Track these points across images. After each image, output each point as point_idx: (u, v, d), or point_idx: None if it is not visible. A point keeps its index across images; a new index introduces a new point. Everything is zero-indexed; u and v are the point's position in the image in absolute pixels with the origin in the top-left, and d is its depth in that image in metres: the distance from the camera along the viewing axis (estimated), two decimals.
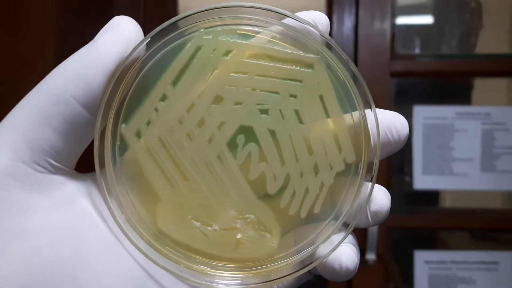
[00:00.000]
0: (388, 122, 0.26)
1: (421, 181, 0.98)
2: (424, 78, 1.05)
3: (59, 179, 0.25)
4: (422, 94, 1.06)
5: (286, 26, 0.25)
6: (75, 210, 0.25)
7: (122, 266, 0.25)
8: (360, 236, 0.95)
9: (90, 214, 0.25)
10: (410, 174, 0.98)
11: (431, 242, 1.09)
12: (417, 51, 1.08)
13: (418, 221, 0.99)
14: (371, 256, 0.94)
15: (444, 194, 1.07)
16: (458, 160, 0.96)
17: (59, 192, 0.25)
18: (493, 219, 1.00)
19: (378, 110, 0.26)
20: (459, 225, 1.00)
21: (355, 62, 0.94)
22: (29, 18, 0.71)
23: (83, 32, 0.78)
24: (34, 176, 0.24)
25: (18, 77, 0.68)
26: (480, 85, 1.05)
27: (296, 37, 0.25)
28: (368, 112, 0.25)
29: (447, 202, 1.10)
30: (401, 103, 1.03)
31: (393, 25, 0.97)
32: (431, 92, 1.07)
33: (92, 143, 0.25)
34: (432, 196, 1.07)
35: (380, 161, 0.26)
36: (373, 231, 0.92)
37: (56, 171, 0.25)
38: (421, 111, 0.97)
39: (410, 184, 0.98)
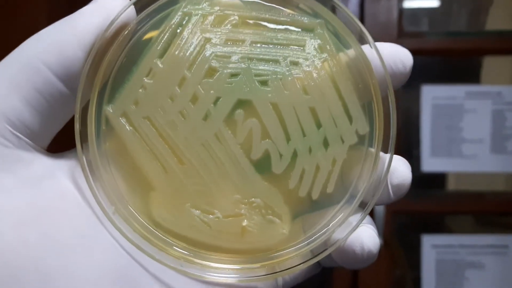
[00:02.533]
0: (393, 59, 0.24)
1: (430, 163, 0.95)
2: (432, 57, 1.02)
3: (28, 156, 0.22)
4: (431, 73, 1.03)
5: None
6: (45, 191, 0.22)
7: (100, 254, 0.22)
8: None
9: (64, 195, 0.22)
10: (418, 156, 0.95)
11: (438, 226, 1.06)
12: (425, 28, 1.05)
13: (425, 206, 0.97)
14: None
15: (451, 177, 1.05)
16: (468, 142, 0.94)
17: (27, 170, 0.22)
18: (502, 202, 0.97)
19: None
20: (468, 208, 0.98)
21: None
22: (22, 3, 0.69)
23: None
24: None
25: None
26: (489, 64, 1.02)
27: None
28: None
29: (454, 185, 1.07)
30: (409, 82, 0.99)
31: (400, 3, 0.94)
32: (440, 71, 1.04)
33: (70, 124, 0.23)
34: (439, 179, 1.04)
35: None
36: (380, 215, 0.89)
37: (24, 147, 0.22)
38: (429, 91, 0.94)
39: (418, 167, 0.95)
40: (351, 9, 0.92)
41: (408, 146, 1.00)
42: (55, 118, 0.22)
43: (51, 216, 0.22)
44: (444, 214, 1.06)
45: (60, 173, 0.22)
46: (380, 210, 0.87)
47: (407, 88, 0.98)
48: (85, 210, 0.22)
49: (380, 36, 0.89)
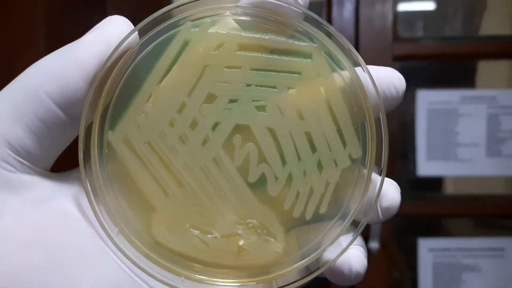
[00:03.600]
0: (387, 83, 0.25)
1: (425, 167, 0.96)
2: (428, 61, 1.03)
3: (32, 179, 0.23)
4: (426, 78, 1.03)
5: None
6: (49, 211, 0.23)
7: (103, 273, 0.23)
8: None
9: (67, 216, 0.23)
10: (413, 160, 0.96)
11: (435, 229, 1.07)
12: (420, 33, 1.06)
13: (422, 208, 0.97)
14: (374, 245, 0.91)
15: (447, 180, 1.05)
16: (463, 145, 0.94)
17: (31, 192, 0.23)
18: (498, 205, 0.98)
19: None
20: (464, 211, 0.98)
21: (356, 46, 0.91)
22: (20, 3, 0.69)
23: (75, 18, 0.76)
24: (2, 175, 0.22)
25: (9, 64, 0.66)
26: (484, 68, 1.03)
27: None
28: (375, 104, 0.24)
29: (451, 189, 1.08)
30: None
31: (395, 8, 0.94)
32: (435, 76, 1.04)
33: (72, 147, 0.23)
34: (436, 183, 1.05)
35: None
36: None
37: (27, 171, 0.23)
38: (425, 96, 0.95)
39: (414, 170, 0.96)
40: (346, 15, 0.92)
41: (403, 150, 1.00)
42: (56, 144, 0.23)
43: (55, 237, 0.22)
44: (441, 216, 1.06)
45: (63, 194, 0.23)
46: None
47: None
48: (88, 230, 0.23)
49: (376, 42, 0.90)
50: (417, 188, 1.04)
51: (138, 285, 0.23)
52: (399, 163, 1.01)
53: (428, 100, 0.95)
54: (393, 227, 0.97)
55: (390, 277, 0.97)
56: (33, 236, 0.22)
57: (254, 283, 0.25)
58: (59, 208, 0.23)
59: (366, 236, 0.91)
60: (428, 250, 0.97)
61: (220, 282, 0.24)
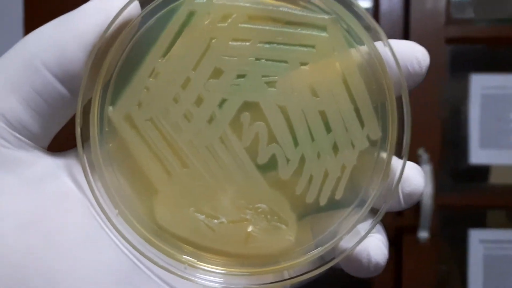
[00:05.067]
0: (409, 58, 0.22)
1: (478, 155, 0.91)
2: (481, 45, 0.98)
3: (28, 156, 0.22)
4: (480, 62, 0.98)
5: None
6: (48, 191, 0.22)
7: (104, 256, 0.22)
8: (411, 211, 0.88)
9: (67, 196, 0.22)
10: (465, 148, 0.92)
11: (485, 220, 1.02)
12: (473, 15, 1.01)
13: (470, 199, 0.94)
14: (423, 234, 0.87)
15: (495, 169, 1.00)
16: None
17: (29, 170, 0.22)
18: None
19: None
20: None
21: (406, 28, 0.88)
22: None
23: None
24: None
25: None
26: None
27: None
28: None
29: (498, 178, 1.02)
30: (457, 72, 0.95)
31: None
32: (490, 60, 0.99)
33: (71, 122, 0.22)
34: (485, 172, 1.00)
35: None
36: (427, 205, 0.85)
37: (24, 147, 0.22)
38: (478, 81, 0.90)
39: (465, 159, 0.92)
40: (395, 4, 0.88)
41: (455, 138, 0.97)
42: (55, 119, 0.22)
43: (54, 217, 0.21)
44: (489, 208, 1.02)
45: (62, 173, 0.22)
46: (427, 203, 0.84)
47: (455, 77, 0.94)
48: (88, 210, 0.22)
49: (427, 24, 0.86)
50: (468, 178, 1.00)
51: (139, 270, 0.22)
52: (450, 151, 0.98)
53: (482, 85, 0.91)
54: (442, 219, 0.94)
55: (437, 270, 0.94)
56: (31, 217, 0.21)
57: (266, 271, 0.23)
58: (58, 188, 0.22)
59: (414, 224, 0.88)
60: (479, 241, 0.94)
61: (226, 271, 0.23)
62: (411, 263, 0.91)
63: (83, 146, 0.22)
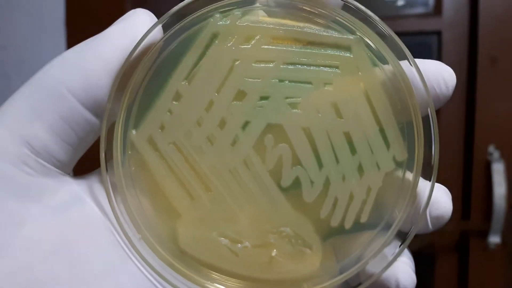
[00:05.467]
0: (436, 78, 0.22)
1: None
2: None
3: (53, 183, 0.22)
4: None
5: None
6: (71, 218, 0.21)
7: (129, 283, 0.21)
8: (482, 215, 0.81)
9: (90, 221, 0.22)
10: None
11: None
12: None
13: None
14: (495, 239, 0.79)
15: None
16: None
17: (52, 197, 0.21)
18: None
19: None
20: None
21: (475, 36, 0.80)
22: None
23: None
24: (22, 179, 0.21)
25: None
26: None
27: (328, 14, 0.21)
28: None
29: None
30: None
31: None
32: None
33: (95, 148, 0.22)
34: None
35: None
36: (500, 207, 0.77)
37: (48, 174, 0.21)
38: None
39: None
40: (460, 1, 0.83)
41: None
42: (81, 145, 0.22)
43: (79, 246, 0.21)
44: None
45: (86, 198, 0.22)
46: (500, 204, 0.77)
47: None
48: (113, 236, 0.22)
49: (496, 33, 0.80)
50: None
51: None
52: None
53: None
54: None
55: (509, 279, 0.86)
56: (56, 246, 0.21)
57: None
58: (82, 215, 0.22)
59: (485, 229, 0.80)
60: None
61: None
62: (479, 271, 0.84)
63: (107, 170, 0.21)
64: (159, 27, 0.21)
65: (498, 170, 0.77)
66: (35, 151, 0.21)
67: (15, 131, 0.20)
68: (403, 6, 0.89)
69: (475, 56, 0.80)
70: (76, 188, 0.22)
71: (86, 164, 0.24)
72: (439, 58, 0.83)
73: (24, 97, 0.21)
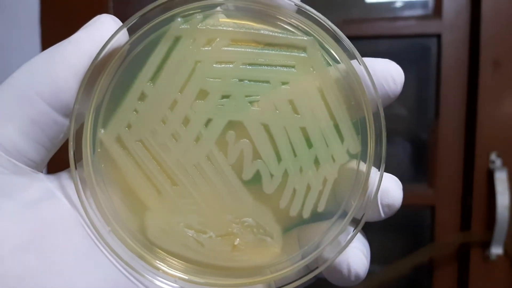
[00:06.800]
0: (384, 76, 0.24)
1: None
2: None
3: (25, 180, 0.23)
4: None
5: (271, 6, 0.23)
6: (43, 213, 0.22)
7: (99, 274, 0.23)
8: (483, 225, 0.79)
9: (62, 217, 0.23)
10: None
11: None
12: None
13: None
14: (496, 250, 0.77)
15: None
16: None
17: (25, 194, 0.22)
18: None
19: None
20: None
21: (477, 39, 0.77)
22: None
23: None
24: None
25: None
26: None
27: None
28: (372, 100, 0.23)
29: None
30: None
31: None
32: None
33: (65, 148, 0.23)
34: None
35: None
36: (503, 217, 0.75)
37: (20, 172, 0.23)
38: None
39: None
40: (461, 2, 0.80)
41: None
42: (52, 145, 0.23)
43: (51, 239, 0.22)
44: None
45: (58, 194, 0.23)
46: (503, 214, 0.75)
47: None
48: (83, 230, 0.23)
49: (499, 36, 0.78)
50: None
51: (134, 285, 0.23)
52: None
53: None
54: None
55: None
56: (28, 239, 0.22)
57: (255, 281, 0.24)
58: (54, 209, 0.23)
59: (486, 240, 0.79)
60: None
61: (216, 283, 0.24)
62: (479, 283, 0.82)
63: (76, 168, 0.23)
64: (124, 30, 0.22)
65: (500, 178, 0.75)
66: (7, 151, 0.22)
67: None
68: (402, 8, 0.86)
69: (476, 60, 0.78)
70: (48, 184, 0.23)
71: (59, 164, 0.25)
72: (438, 61, 0.82)
73: None
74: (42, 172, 0.24)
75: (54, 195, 0.23)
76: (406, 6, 0.86)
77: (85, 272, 0.22)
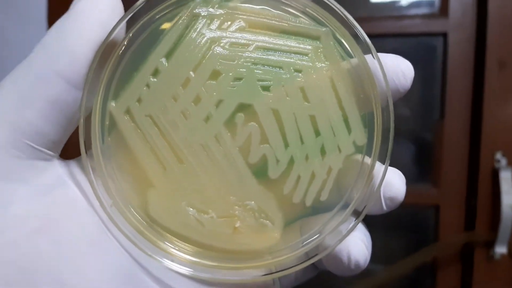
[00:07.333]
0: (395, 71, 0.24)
1: None
2: None
3: (41, 164, 0.23)
4: None
5: None
6: (56, 199, 0.22)
7: (109, 258, 0.23)
8: (488, 224, 0.79)
9: (73, 202, 0.23)
10: None
11: None
12: None
13: None
14: (500, 250, 0.76)
15: None
16: None
17: (40, 179, 0.23)
18: None
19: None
20: None
21: (483, 38, 0.78)
22: None
23: None
24: (12, 162, 0.22)
25: None
26: None
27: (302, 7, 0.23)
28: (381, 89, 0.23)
29: None
30: None
31: None
32: None
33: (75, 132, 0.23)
34: None
35: None
36: (507, 216, 0.74)
37: (37, 155, 0.22)
38: None
39: None
40: (467, 0, 0.79)
41: None
42: (70, 124, 0.23)
43: (63, 224, 0.22)
44: None
45: (70, 180, 0.23)
46: (508, 214, 0.75)
47: None
48: (94, 217, 0.23)
49: (505, 37, 0.77)
50: None
51: (143, 270, 0.23)
52: None
53: None
54: None
55: None
56: (42, 224, 0.22)
57: (255, 266, 0.24)
58: (66, 195, 0.23)
59: (491, 239, 0.78)
60: None
61: (213, 264, 0.24)
62: (483, 282, 0.82)
63: (85, 140, 0.23)
64: (144, 3, 0.22)
65: (505, 178, 0.76)
66: (26, 135, 0.22)
67: (3, 117, 0.21)
68: (408, 7, 0.86)
69: (482, 59, 0.78)
70: (62, 169, 0.23)
71: (70, 150, 0.25)
72: (444, 60, 0.81)
73: (12, 84, 0.22)
74: (59, 152, 0.24)
75: (67, 181, 0.23)
76: (412, 4, 0.86)
77: (95, 255, 0.22)
